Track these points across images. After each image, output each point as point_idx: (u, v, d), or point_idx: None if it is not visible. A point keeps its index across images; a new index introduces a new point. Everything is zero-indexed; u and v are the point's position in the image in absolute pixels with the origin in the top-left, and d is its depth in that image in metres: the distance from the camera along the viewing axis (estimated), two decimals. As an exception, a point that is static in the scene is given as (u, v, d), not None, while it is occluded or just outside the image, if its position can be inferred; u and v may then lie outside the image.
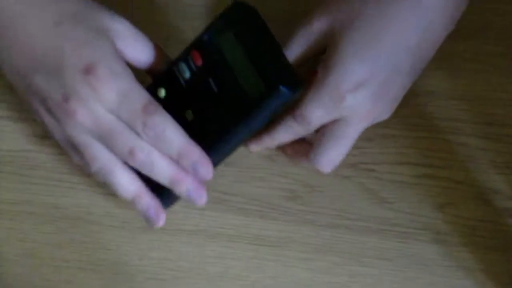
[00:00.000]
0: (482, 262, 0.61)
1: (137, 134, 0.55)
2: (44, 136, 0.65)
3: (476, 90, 0.64)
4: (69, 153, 0.60)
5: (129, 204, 0.60)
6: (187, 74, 0.57)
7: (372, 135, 0.63)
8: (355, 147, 0.62)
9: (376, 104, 0.57)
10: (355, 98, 0.56)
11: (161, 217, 0.59)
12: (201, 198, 0.58)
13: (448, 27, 0.59)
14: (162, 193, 0.58)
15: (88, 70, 0.55)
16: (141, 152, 0.56)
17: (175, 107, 0.57)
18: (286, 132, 0.60)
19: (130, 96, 0.55)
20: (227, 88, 0.56)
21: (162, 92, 0.58)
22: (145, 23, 0.67)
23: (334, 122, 0.58)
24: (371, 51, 0.56)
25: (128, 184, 0.57)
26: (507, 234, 0.61)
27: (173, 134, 0.55)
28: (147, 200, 0.58)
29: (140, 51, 0.59)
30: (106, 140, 0.56)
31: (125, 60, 0.58)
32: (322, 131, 0.59)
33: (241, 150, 0.63)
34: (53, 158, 0.64)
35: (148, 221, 0.59)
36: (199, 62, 0.57)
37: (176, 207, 0.63)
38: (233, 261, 0.62)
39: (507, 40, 0.65)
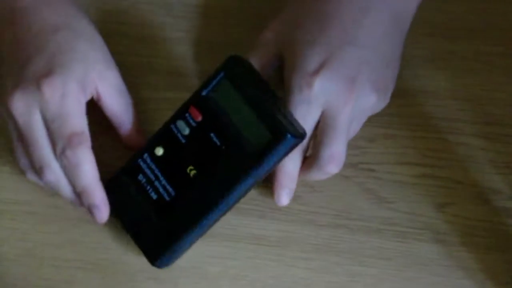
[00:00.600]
0: (482, 262, 0.61)
1: (55, 155, 0.57)
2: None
3: (476, 90, 0.64)
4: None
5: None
6: (186, 131, 0.58)
7: (372, 135, 0.63)
8: (355, 147, 0.63)
9: (347, 82, 0.57)
10: (322, 79, 0.57)
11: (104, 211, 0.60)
12: (101, 219, 0.60)
13: None
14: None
15: (47, 74, 0.56)
16: (50, 174, 0.58)
17: (175, 164, 0.58)
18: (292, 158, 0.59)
19: (66, 118, 0.57)
20: (231, 140, 0.57)
21: (159, 151, 0.59)
22: (144, 23, 0.67)
23: (322, 121, 0.58)
24: (319, 34, 0.58)
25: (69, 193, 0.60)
26: (507, 234, 0.61)
27: (85, 172, 0.57)
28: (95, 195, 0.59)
29: (116, 103, 0.61)
30: (26, 144, 0.58)
31: (99, 99, 0.60)
32: (317, 139, 0.59)
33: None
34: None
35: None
36: (199, 118, 0.58)
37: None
38: (233, 261, 0.62)
39: (507, 40, 0.65)
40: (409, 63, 0.64)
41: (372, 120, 0.63)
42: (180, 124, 0.58)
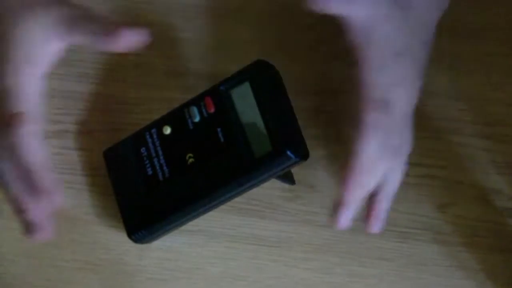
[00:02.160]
0: (482, 262, 0.61)
1: None
2: (44, 136, 0.65)
3: (476, 90, 0.64)
4: None
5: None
6: (197, 118, 0.58)
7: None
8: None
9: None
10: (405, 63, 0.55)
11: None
12: (41, 233, 0.55)
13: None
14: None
15: (6, 44, 0.53)
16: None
17: (177, 147, 0.58)
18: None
19: (8, 96, 0.53)
20: (234, 141, 0.57)
21: (167, 130, 0.59)
22: (144, 23, 0.67)
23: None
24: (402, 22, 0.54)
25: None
26: (507, 234, 0.61)
27: (30, 149, 0.53)
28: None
29: (82, 34, 0.54)
30: None
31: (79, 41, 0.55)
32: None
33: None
34: (53, 158, 0.64)
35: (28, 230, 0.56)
36: (212, 109, 0.58)
37: (176, 207, 0.63)
38: (233, 261, 0.62)
39: (507, 40, 0.65)
40: (409, 63, 0.64)
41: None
42: (193, 110, 0.59)
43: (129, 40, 0.53)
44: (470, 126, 0.63)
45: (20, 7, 0.54)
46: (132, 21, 0.67)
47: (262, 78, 0.57)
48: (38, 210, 0.55)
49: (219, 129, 0.57)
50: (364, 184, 0.56)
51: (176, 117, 0.59)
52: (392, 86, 0.54)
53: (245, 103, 0.57)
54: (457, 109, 0.64)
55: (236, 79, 0.58)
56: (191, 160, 0.58)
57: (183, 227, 0.62)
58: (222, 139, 0.57)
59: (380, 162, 0.55)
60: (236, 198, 0.59)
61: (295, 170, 0.63)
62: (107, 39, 0.53)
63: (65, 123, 0.65)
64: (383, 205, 0.58)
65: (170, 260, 0.63)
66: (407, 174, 0.62)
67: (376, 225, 0.58)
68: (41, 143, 0.54)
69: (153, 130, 0.60)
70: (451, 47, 0.64)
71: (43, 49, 0.54)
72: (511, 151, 0.62)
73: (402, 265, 0.61)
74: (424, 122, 0.63)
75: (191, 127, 0.58)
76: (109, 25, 0.53)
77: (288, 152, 0.54)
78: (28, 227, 0.55)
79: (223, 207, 0.62)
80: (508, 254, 0.61)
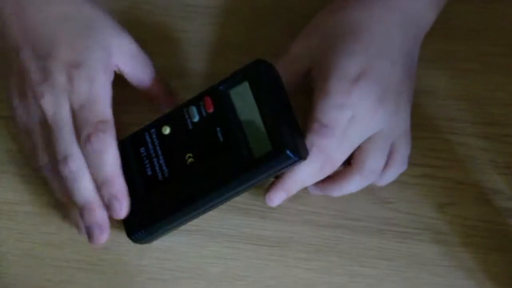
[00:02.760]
0: (482, 262, 0.61)
1: (79, 144, 0.57)
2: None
3: (476, 90, 0.64)
4: (23, 140, 0.61)
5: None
6: (196, 118, 0.58)
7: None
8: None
9: (377, 97, 0.57)
10: (361, 89, 0.56)
11: (104, 236, 0.59)
12: (100, 236, 0.59)
13: (431, 11, 0.61)
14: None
15: (73, 65, 0.57)
16: (73, 162, 0.57)
17: (176, 147, 0.58)
18: (310, 162, 0.57)
19: (94, 105, 0.57)
20: (233, 140, 0.56)
21: (166, 130, 0.59)
22: (144, 23, 0.67)
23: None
24: (354, 44, 0.57)
25: (87, 190, 0.58)
26: (507, 234, 0.61)
27: (108, 160, 0.57)
28: (99, 213, 0.59)
29: (136, 69, 0.61)
30: (51, 136, 0.58)
31: (122, 73, 0.61)
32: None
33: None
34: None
35: (89, 236, 0.59)
36: (211, 109, 0.58)
37: (176, 207, 0.63)
38: (233, 261, 0.62)
39: (507, 40, 0.65)
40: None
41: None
42: (192, 110, 0.58)
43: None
44: (471, 126, 0.63)
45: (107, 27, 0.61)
46: (131, 21, 0.67)
47: (261, 77, 0.57)
48: (103, 214, 0.59)
49: (218, 129, 0.57)
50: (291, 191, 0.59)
51: (175, 117, 0.59)
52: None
53: (244, 103, 0.57)
54: (457, 109, 0.64)
55: (235, 78, 0.58)
56: (190, 160, 0.58)
57: (183, 227, 0.62)
58: (221, 139, 0.57)
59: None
60: (235, 197, 0.58)
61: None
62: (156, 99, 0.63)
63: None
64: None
65: (170, 260, 0.63)
66: (407, 174, 0.62)
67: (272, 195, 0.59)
68: (117, 150, 0.58)
69: (152, 130, 0.60)
70: (450, 47, 0.64)
71: (114, 65, 0.60)
72: (511, 151, 0.62)
73: (402, 265, 0.61)
74: (424, 122, 0.63)
75: (190, 127, 0.58)
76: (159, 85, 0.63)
77: (288, 152, 0.54)
78: (92, 231, 0.59)
79: (223, 207, 0.62)
80: (508, 254, 0.61)
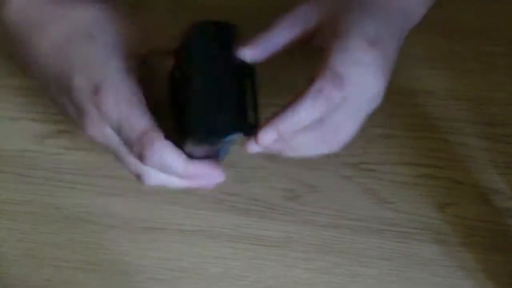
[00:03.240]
0: (482, 262, 0.61)
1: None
2: (45, 136, 0.65)
3: (476, 90, 0.64)
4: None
5: (129, 204, 0.60)
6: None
7: (372, 135, 0.63)
8: (356, 147, 0.63)
9: (383, 68, 0.56)
10: (377, 52, 0.55)
11: (218, 175, 0.57)
12: (219, 178, 0.57)
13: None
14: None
15: (95, 91, 0.55)
16: (147, 179, 0.56)
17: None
18: (313, 106, 0.54)
19: (128, 123, 0.55)
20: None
21: (176, 73, 0.58)
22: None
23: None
24: (376, 14, 0.56)
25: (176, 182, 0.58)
26: (507, 234, 0.61)
27: (172, 161, 0.55)
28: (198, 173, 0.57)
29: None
30: (118, 157, 0.57)
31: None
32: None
33: (240, 150, 0.63)
34: (54, 158, 0.65)
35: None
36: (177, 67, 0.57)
37: (176, 207, 0.63)
38: (233, 261, 0.62)
39: (507, 40, 0.65)
40: (409, 63, 0.64)
41: (372, 120, 0.63)
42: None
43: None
44: (471, 126, 0.63)
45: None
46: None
47: (207, 39, 0.56)
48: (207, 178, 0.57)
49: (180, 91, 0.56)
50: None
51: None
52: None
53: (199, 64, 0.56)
54: (457, 109, 0.64)
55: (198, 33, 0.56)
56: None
57: (182, 227, 0.62)
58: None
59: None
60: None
61: (295, 170, 0.63)
62: None
63: (65, 123, 0.65)
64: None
65: (170, 260, 0.63)
66: (407, 174, 0.62)
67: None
68: (172, 146, 0.56)
69: None
70: (450, 47, 0.64)
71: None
72: (511, 151, 0.63)
73: (403, 265, 0.62)
74: (424, 122, 0.63)
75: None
76: None
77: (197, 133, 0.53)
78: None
79: (222, 207, 0.62)
80: (508, 254, 0.61)
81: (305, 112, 0.54)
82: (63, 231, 0.63)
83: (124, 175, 0.64)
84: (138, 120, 0.55)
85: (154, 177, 0.56)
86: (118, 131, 0.56)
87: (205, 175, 0.56)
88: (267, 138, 0.54)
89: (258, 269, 0.62)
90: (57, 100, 0.58)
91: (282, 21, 0.58)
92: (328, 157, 0.62)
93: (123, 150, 0.56)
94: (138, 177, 0.57)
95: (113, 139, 0.56)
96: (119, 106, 0.55)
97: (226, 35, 0.56)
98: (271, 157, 0.64)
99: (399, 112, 0.63)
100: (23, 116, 0.65)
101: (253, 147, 0.55)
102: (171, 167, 0.55)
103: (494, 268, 0.61)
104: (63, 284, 0.63)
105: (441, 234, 0.62)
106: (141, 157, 0.55)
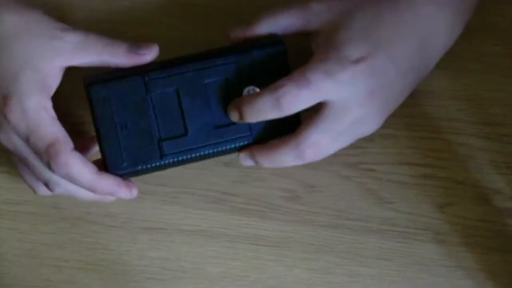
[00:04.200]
0: (482, 262, 0.61)
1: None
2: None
3: (476, 90, 0.64)
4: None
5: (129, 204, 0.60)
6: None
7: (372, 135, 0.63)
8: (355, 147, 0.62)
9: (368, 90, 0.56)
10: (356, 73, 0.55)
11: (128, 192, 0.59)
12: (129, 195, 0.59)
13: (448, 38, 0.59)
14: None
15: (4, 102, 0.56)
16: (57, 187, 0.58)
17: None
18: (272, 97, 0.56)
19: (36, 133, 0.56)
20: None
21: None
22: (143, 23, 0.67)
23: (323, 109, 0.56)
24: (374, 32, 0.56)
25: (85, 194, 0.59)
26: (507, 234, 0.61)
27: (78, 174, 0.56)
28: (105, 185, 0.58)
29: (92, 54, 0.58)
30: (27, 165, 0.58)
31: (80, 66, 0.58)
32: (306, 121, 0.57)
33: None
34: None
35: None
36: None
37: (176, 207, 0.63)
38: (233, 261, 0.62)
39: (507, 40, 0.65)
40: (409, 63, 0.64)
41: (372, 120, 0.63)
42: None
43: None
44: (470, 126, 0.63)
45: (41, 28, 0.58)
46: (131, 20, 0.67)
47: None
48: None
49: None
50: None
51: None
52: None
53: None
54: (457, 109, 0.64)
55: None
56: None
57: (182, 227, 0.62)
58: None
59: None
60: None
61: (295, 170, 0.63)
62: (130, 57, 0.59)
63: (65, 123, 0.65)
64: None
65: (170, 260, 0.63)
66: (407, 174, 0.62)
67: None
68: (81, 159, 0.57)
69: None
70: (451, 47, 0.64)
71: (50, 72, 0.58)
72: (511, 151, 0.62)
73: (402, 265, 0.62)
74: (424, 122, 0.63)
75: None
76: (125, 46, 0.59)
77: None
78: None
79: (222, 207, 0.62)
80: (508, 254, 0.61)
81: (265, 104, 0.55)
82: (63, 231, 0.63)
83: (124, 175, 0.64)
84: (46, 131, 0.56)
85: (64, 186, 0.58)
86: (27, 141, 0.56)
87: (114, 191, 0.58)
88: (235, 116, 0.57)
89: (258, 269, 0.62)
90: None
91: (290, 10, 0.58)
92: (328, 157, 0.62)
93: (32, 158, 0.58)
94: (46, 184, 0.58)
95: (22, 148, 0.58)
96: (26, 116, 0.56)
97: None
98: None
99: (399, 112, 0.63)
100: (23, 116, 0.65)
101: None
102: (77, 180, 0.56)
103: (494, 268, 0.61)
104: (63, 284, 0.63)
105: (441, 234, 0.62)
106: (49, 167, 0.56)
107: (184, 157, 0.57)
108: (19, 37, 0.57)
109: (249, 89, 0.58)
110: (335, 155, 0.62)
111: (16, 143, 0.57)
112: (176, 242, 0.63)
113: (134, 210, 0.63)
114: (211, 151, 0.57)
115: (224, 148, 0.57)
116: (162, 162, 0.57)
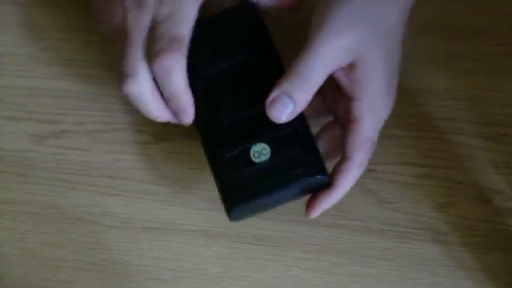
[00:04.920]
0: (482, 262, 0.61)
1: (147, 60, 0.56)
2: (44, 136, 0.65)
3: (476, 90, 0.64)
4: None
5: (129, 204, 0.60)
6: None
7: (372, 135, 0.63)
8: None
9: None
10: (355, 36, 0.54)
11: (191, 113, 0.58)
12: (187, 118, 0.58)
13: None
14: None
15: None
16: (134, 81, 0.56)
17: None
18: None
19: (173, 22, 0.56)
20: None
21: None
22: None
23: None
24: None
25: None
26: (508, 234, 0.61)
27: (175, 79, 0.55)
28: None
29: None
30: (124, 46, 0.57)
31: None
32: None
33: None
34: (53, 158, 0.65)
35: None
36: None
37: (176, 207, 0.63)
38: (233, 261, 0.62)
39: (507, 40, 0.65)
40: (409, 63, 0.64)
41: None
42: None
43: None
44: (470, 126, 0.63)
45: None
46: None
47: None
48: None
49: None
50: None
51: None
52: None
53: None
54: (457, 109, 0.64)
55: None
56: None
57: (182, 227, 0.62)
58: None
59: None
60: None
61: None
62: None
63: (65, 123, 0.65)
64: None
65: (170, 260, 0.63)
66: (407, 174, 0.62)
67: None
68: (184, 69, 0.56)
69: None
70: (450, 47, 0.64)
71: None
72: (511, 151, 0.62)
73: (402, 265, 0.62)
74: (424, 122, 0.63)
75: None
76: None
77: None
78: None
79: (222, 207, 0.62)
80: (508, 254, 0.61)
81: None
82: (63, 231, 0.63)
83: (124, 175, 0.64)
84: (182, 26, 0.56)
85: (143, 84, 0.56)
86: (160, 21, 0.56)
87: (180, 108, 0.57)
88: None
89: (258, 269, 0.62)
90: None
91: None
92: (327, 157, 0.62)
93: (140, 41, 0.56)
94: (127, 75, 0.56)
95: (143, 29, 0.56)
96: (177, 3, 0.56)
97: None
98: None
99: (399, 112, 0.63)
100: (23, 116, 0.65)
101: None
102: (171, 82, 0.56)
103: (494, 268, 0.61)
104: (63, 284, 0.63)
105: (441, 234, 0.62)
106: (156, 55, 0.55)
107: None
108: None
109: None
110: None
111: (143, 17, 0.56)
112: (176, 242, 0.63)
113: (134, 210, 0.63)
114: None
115: None
116: None
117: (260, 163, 0.55)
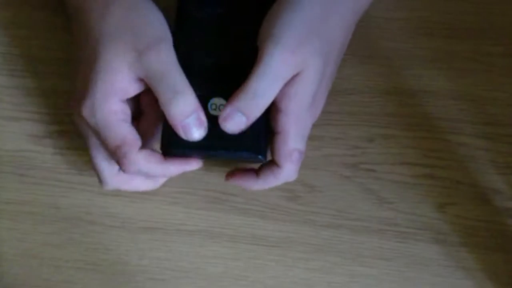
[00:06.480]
0: (482, 262, 0.61)
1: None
2: (44, 136, 0.65)
3: (476, 90, 0.64)
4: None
5: (129, 204, 0.60)
6: None
7: (372, 135, 0.63)
8: (355, 147, 0.62)
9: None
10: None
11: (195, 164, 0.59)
12: (197, 164, 0.59)
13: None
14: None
15: (80, 98, 0.56)
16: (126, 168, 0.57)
17: None
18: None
19: (104, 134, 0.56)
20: None
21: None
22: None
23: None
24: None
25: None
26: (507, 234, 0.61)
27: (148, 169, 0.57)
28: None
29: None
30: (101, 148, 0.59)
31: None
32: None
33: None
34: (53, 158, 0.64)
35: None
36: None
37: (176, 207, 0.63)
38: (233, 261, 0.62)
39: (507, 40, 0.65)
40: (409, 63, 0.64)
41: (372, 120, 0.63)
42: None
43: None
44: (470, 126, 0.63)
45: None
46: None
47: None
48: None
49: None
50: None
51: None
52: None
53: None
54: (457, 109, 0.64)
55: None
56: None
57: (182, 227, 0.62)
58: None
59: None
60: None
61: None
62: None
63: (65, 123, 0.65)
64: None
65: (170, 260, 0.63)
66: (407, 174, 0.62)
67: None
68: (149, 154, 0.57)
69: None
70: (450, 47, 0.64)
71: (123, 81, 0.56)
72: (511, 151, 0.62)
73: (402, 265, 0.62)
74: (424, 122, 0.63)
75: None
76: None
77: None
78: None
79: (222, 207, 0.62)
80: (508, 254, 0.61)
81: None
82: (63, 231, 0.63)
83: (124, 175, 0.64)
84: (113, 133, 0.56)
85: (116, 180, 0.59)
86: (98, 138, 0.57)
87: (185, 169, 0.58)
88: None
89: (258, 269, 0.62)
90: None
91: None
92: (328, 157, 0.63)
93: (95, 142, 0.58)
94: (100, 180, 0.59)
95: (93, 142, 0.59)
96: (96, 117, 0.56)
97: None
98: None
99: (399, 112, 0.63)
100: (23, 116, 0.65)
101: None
102: (147, 173, 0.57)
103: (494, 268, 0.61)
104: (62, 284, 0.63)
105: (441, 234, 0.62)
106: (118, 165, 0.57)
107: None
108: (103, 35, 0.57)
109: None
110: (335, 155, 0.63)
111: (88, 137, 0.59)
112: (176, 242, 0.63)
113: (134, 210, 0.63)
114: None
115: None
116: None
117: (213, 117, 0.55)
